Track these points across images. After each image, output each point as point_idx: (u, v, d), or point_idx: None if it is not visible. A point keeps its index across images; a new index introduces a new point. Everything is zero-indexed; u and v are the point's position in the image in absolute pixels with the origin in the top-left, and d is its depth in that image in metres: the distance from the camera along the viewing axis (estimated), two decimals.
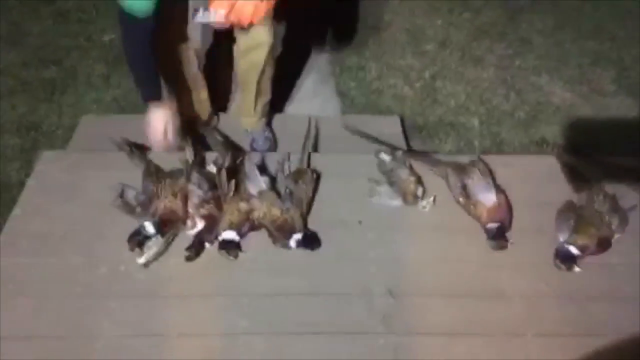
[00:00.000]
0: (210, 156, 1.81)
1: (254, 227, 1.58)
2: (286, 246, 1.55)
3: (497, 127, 2.35)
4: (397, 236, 1.63)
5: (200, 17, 1.62)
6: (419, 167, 1.80)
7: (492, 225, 1.59)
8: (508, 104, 2.46)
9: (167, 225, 1.55)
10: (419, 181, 1.72)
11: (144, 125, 1.81)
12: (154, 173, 1.69)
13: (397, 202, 1.69)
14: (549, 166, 1.84)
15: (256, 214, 1.56)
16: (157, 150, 1.83)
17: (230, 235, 1.54)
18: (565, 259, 1.52)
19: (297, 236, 1.54)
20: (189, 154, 1.76)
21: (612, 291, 1.49)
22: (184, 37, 1.88)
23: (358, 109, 2.37)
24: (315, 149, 2.01)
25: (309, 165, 1.80)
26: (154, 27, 1.63)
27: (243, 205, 1.56)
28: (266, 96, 2.11)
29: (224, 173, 1.63)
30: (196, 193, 1.60)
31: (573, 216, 1.59)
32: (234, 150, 1.84)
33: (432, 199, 1.68)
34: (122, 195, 1.65)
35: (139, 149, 1.86)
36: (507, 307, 1.45)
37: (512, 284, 1.50)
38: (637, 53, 2.73)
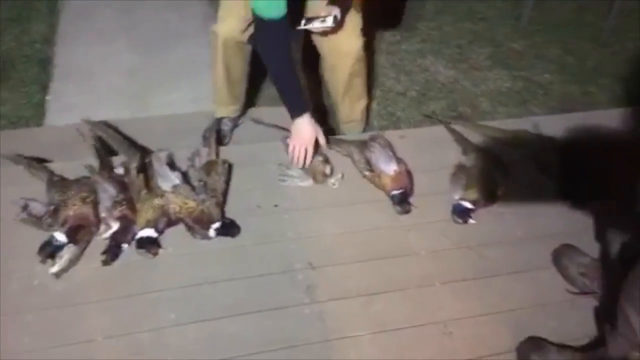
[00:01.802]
0: (116, 159, 1.79)
1: (171, 223, 1.60)
2: (206, 236, 1.59)
3: (393, 107, 2.52)
4: (312, 214, 1.72)
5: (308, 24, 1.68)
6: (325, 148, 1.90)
7: (396, 192, 1.72)
8: (400, 85, 2.64)
9: (79, 232, 1.52)
10: (327, 160, 1.82)
11: (292, 142, 1.75)
12: (58, 182, 1.65)
13: (307, 182, 1.78)
14: (439, 135, 2.02)
15: (172, 209, 1.58)
16: (299, 164, 1.76)
17: (147, 233, 1.54)
18: (461, 214, 1.69)
19: (216, 225, 1.58)
20: (93, 159, 1.73)
21: (504, 236, 1.68)
22: None
23: (263, 100, 2.42)
24: (221, 142, 2.05)
25: (217, 157, 1.84)
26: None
27: (157, 202, 1.57)
28: (364, 100, 2.16)
29: (133, 172, 1.62)
30: (106, 196, 1.59)
31: (463, 176, 1.77)
32: (141, 151, 1.83)
33: (340, 175, 1.79)
34: (25, 208, 1.59)
35: (37, 162, 1.80)
36: (417, 262, 1.59)
37: (418, 242, 1.64)
38: (507, 31, 3.03)
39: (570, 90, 2.65)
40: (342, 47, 1.89)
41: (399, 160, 1.80)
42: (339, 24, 1.78)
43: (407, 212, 1.70)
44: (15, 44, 2.64)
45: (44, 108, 2.34)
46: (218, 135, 2.01)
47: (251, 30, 1.85)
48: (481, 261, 1.59)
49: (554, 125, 2.07)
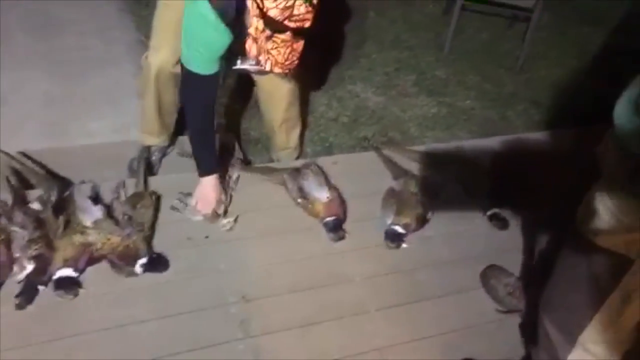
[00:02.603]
0: (33, 193, 1.68)
1: (93, 260, 1.50)
2: (132, 273, 1.51)
3: (325, 133, 2.54)
4: (245, 244, 1.68)
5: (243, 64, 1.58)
6: (257, 178, 1.88)
7: (329, 219, 1.73)
8: (332, 111, 2.68)
9: None
10: (221, 200, 1.74)
11: (195, 199, 1.72)
12: None
13: (198, 217, 1.72)
14: (371, 160, 2.06)
15: (94, 246, 1.49)
16: (203, 216, 1.71)
17: (65, 272, 1.45)
18: (394, 239, 1.72)
19: (142, 261, 1.51)
20: (5, 193, 1.61)
21: (433, 259, 1.72)
22: None
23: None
24: (152, 172, 1.98)
25: (146, 188, 1.76)
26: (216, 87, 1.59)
27: (77, 239, 1.48)
28: (298, 127, 2.16)
29: (51, 207, 1.52)
30: (20, 234, 1.47)
31: (394, 201, 1.80)
32: (60, 183, 1.72)
33: (233, 218, 1.72)
34: None
35: None
36: (352, 289, 1.59)
37: (353, 269, 1.65)
38: (430, 59, 3.17)
39: (490, 115, 2.79)
40: (278, 75, 1.90)
41: (332, 187, 1.81)
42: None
43: (341, 238, 1.71)
44: None
45: None
46: (146, 164, 1.93)
47: None
48: (413, 285, 1.62)
49: (477, 149, 2.17)
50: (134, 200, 1.67)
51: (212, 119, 1.65)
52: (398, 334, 1.48)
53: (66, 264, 1.45)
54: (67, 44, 2.73)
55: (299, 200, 1.79)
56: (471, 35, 3.40)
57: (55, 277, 1.44)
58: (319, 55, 2.97)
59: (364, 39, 3.25)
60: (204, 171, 1.69)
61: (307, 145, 2.45)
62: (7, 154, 1.85)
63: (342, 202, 1.80)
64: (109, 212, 1.61)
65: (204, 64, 1.52)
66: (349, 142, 2.51)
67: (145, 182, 1.80)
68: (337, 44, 3.13)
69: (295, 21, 1.36)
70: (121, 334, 1.40)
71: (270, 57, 1.44)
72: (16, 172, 1.78)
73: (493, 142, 2.31)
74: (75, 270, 1.46)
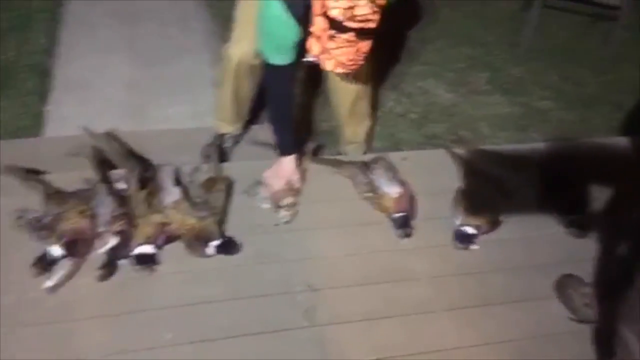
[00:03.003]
0: (117, 173, 1.77)
1: (170, 239, 1.57)
2: (204, 254, 1.56)
3: (393, 129, 2.52)
4: (312, 235, 1.70)
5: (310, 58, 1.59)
6: (326, 170, 1.90)
7: (398, 215, 1.71)
8: (400, 107, 2.65)
9: (76, 246, 1.49)
10: (290, 189, 1.76)
11: (269, 173, 1.78)
12: (55, 195, 1.62)
13: (266, 205, 1.75)
14: (441, 158, 2.02)
15: (172, 225, 1.56)
16: (268, 195, 1.76)
17: (146, 249, 1.52)
18: (463, 240, 1.68)
19: (215, 243, 1.56)
20: (92, 171, 1.71)
21: (504, 263, 1.67)
22: None
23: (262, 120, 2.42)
24: (224, 159, 2.04)
25: (220, 174, 1.82)
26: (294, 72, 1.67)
27: (157, 218, 1.55)
28: (366, 122, 2.17)
29: (135, 186, 1.60)
30: (105, 210, 1.56)
31: (465, 201, 1.76)
32: (143, 164, 1.81)
33: (291, 212, 1.72)
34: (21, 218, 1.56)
35: (33, 173, 1.77)
36: (417, 288, 1.57)
37: (419, 267, 1.63)
38: (505, 56, 3.07)
39: (568, 117, 2.67)
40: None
41: (403, 183, 1.80)
42: None
43: (408, 235, 1.69)
44: (14, 54, 2.62)
45: (43, 118, 2.31)
46: (220, 151, 2.00)
47: None
48: (483, 288, 1.58)
49: (554, 152, 2.08)
50: (209, 184, 1.73)
51: (291, 107, 1.72)
52: (464, 336, 1.45)
53: (147, 240, 1.52)
54: (150, 31, 2.87)
55: (368, 194, 1.79)
56: (550, 33, 3.26)
57: (135, 252, 1.51)
58: (389, 50, 2.96)
59: (436, 34, 3.19)
60: (284, 151, 1.76)
61: (374, 140, 2.44)
62: (93, 133, 1.97)
63: (412, 199, 1.78)
64: (187, 194, 1.67)
65: (278, 56, 1.58)
66: (418, 138, 2.48)
67: (219, 168, 1.86)
68: (407, 39, 3.09)
69: (359, 21, 1.34)
70: (193, 311, 1.46)
71: (332, 57, 1.43)
72: (101, 152, 1.88)
73: (571, 146, 2.21)
74: (155, 247, 1.53)
